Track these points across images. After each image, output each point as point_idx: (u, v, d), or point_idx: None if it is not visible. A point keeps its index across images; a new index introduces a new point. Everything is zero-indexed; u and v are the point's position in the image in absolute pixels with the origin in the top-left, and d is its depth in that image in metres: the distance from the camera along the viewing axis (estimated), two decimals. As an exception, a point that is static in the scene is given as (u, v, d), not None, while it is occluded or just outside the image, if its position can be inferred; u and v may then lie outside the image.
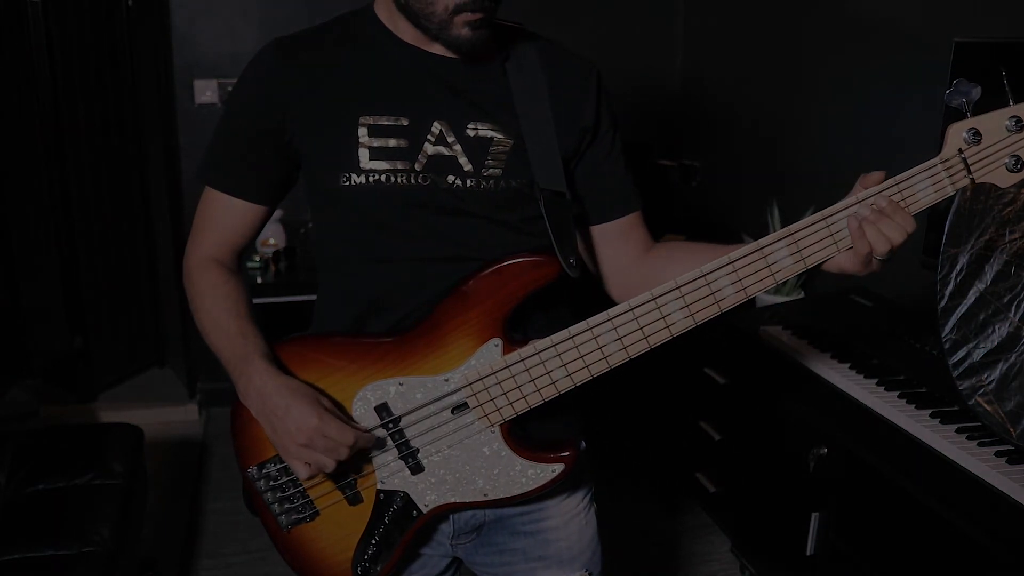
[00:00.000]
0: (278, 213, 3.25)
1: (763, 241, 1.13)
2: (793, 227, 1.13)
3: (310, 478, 1.23)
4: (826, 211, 1.13)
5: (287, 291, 2.98)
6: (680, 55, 4.09)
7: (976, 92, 1.13)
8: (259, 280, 3.05)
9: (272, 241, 3.19)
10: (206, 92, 3.67)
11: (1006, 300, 1.71)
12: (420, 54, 1.23)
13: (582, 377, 1.18)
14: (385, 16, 1.25)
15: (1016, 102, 1.14)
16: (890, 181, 1.11)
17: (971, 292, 1.75)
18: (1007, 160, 1.11)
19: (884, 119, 2.75)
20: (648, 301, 1.15)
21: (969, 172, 1.11)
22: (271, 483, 1.28)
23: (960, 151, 1.11)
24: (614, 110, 1.33)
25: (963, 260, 1.70)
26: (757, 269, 1.14)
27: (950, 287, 1.72)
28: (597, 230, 1.36)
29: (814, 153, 3.14)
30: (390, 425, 1.23)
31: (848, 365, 2.11)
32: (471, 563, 1.41)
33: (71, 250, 3.84)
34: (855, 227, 1.11)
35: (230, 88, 3.60)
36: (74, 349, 3.92)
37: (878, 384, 2.00)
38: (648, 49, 4.06)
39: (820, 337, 2.28)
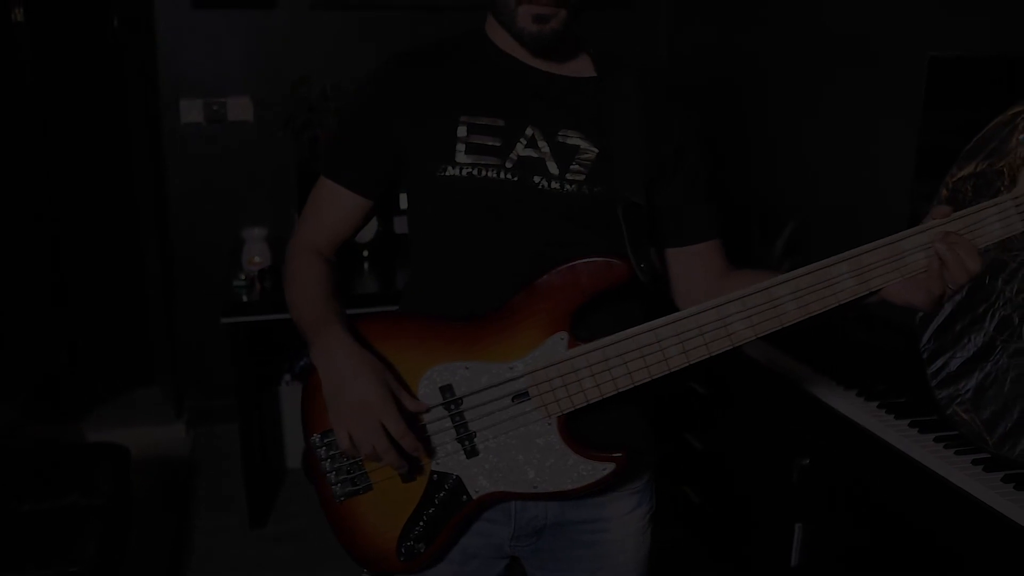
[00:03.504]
0: (263, 231, 3.27)
1: (827, 261, 1.18)
2: (858, 250, 1.18)
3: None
4: (892, 236, 1.17)
5: (272, 310, 2.98)
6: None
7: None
8: (244, 298, 3.05)
9: (257, 259, 3.20)
10: (192, 111, 3.68)
11: (981, 311, 1.74)
12: (521, 65, 1.35)
13: (641, 377, 1.23)
14: (493, 34, 1.38)
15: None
16: (961, 212, 1.16)
17: (947, 303, 1.78)
18: None
19: (860, 134, 2.79)
20: (711, 309, 1.20)
21: None
22: (331, 452, 1.33)
23: None
24: (703, 141, 1.40)
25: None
26: (819, 288, 1.18)
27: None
28: (672, 252, 1.43)
29: (791, 169, 3.17)
30: (452, 406, 1.28)
31: (828, 376, 2.13)
32: (528, 566, 1.45)
33: (58, 268, 3.84)
34: (939, 250, 1.14)
35: (214, 106, 3.66)
36: (60, 367, 3.91)
37: (858, 395, 2.02)
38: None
39: (800, 349, 2.30)
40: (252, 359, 3.11)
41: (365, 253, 3.42)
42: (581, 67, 1.38)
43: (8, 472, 2.47)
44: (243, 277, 3.14)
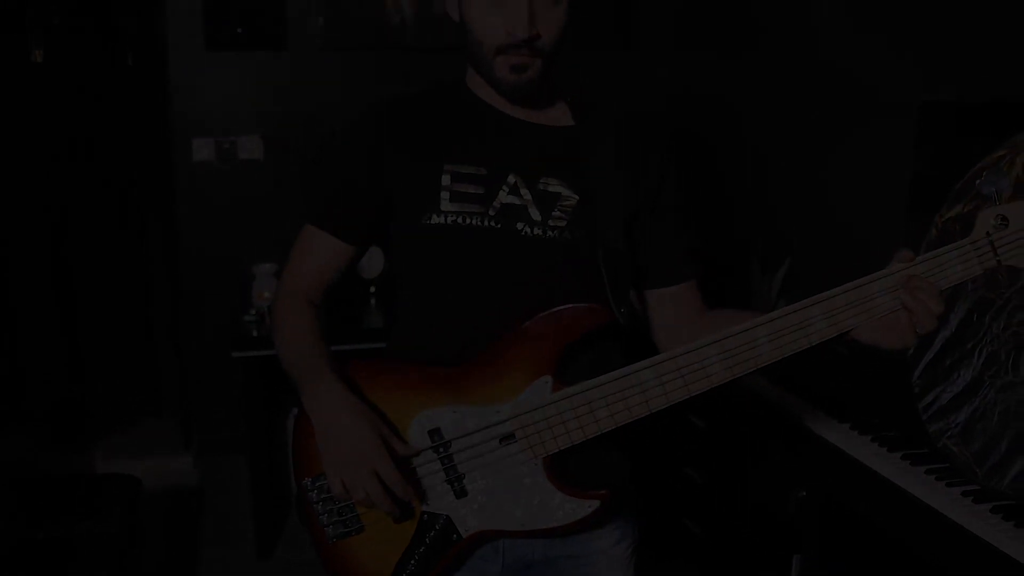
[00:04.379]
0: (272, 267, 3.34)
1: (802, 303, 1.24)
2: (829, 293, 1.24)
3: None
4: (860, 280, 1.23)
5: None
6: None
7: (1005, 183, 1.24)
8: (255, 333, 3.12)
9: (267, 295, 3.26)
10: (204, 150, 3.77)
11: (969, 347, 1.80)
12: (501, 115, 1.40)
13: (623, 418, 1.28)
14: (473, 85, 1.43)
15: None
16: (924, 256, 1.22)
17: (937, 339, 1.84)
18: None
19: (856, 172, 2.86)
20: (690, 352, 1.25)
21: (996, 254, 1.21)
22: (323, 495, 1.36)
23: (988, 234, 1.21)
24: (681, 181, 1.45)
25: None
26: (793, 330, 1.24)
27: (918, 334, 1.80)
28: (650, 292, 1.48)
29: (790, 205, 3.24)
30: (440, 449, 1.32)
31: (823, 411, 2.18)
32: None
33: (70, 301, 3.92)
34: (891, 290, 1.21)
35: (225, 145, 3.74)
36: (72, 398, 3.97)
37: (851, 428, 2.08)
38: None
39: (795, 383, 2.36)
40: (261, 392, 3.16)
41: (372, 289, 3.48)
42: (559, 115, 1.42)
43: (21, 501, 2.51)
44: (253, 312, 3.21)
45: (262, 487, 3.19)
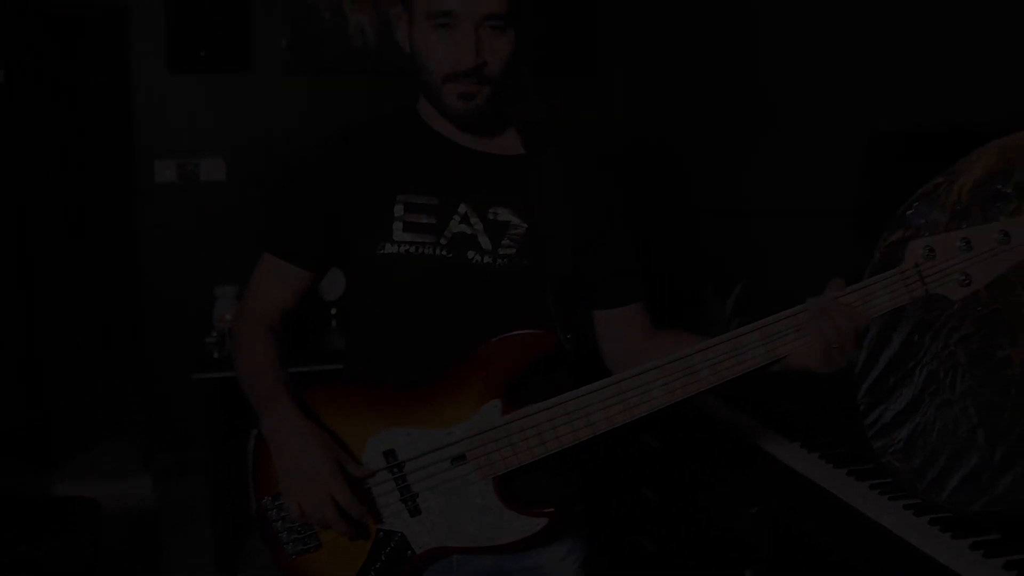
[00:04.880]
0: (234, 289, 3.35)
1: (740, 331, 1.29)
2: (766, 320, 1.29)
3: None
4: (795, 308, 1.29)
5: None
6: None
7: (935, 214, 1.30)
8: (215, 355, 3.13)
9: (228, 317, 3.27)
10: (166, 172, 3.78)
11: (910, 366, 1.86)
12: (453, 145, 1.44)
13: (569, 440, 1.33)
14: (425, 114, 1.47)
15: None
16: (854, 286, 1.28)
17: (882, 358, 1.90)
18: (958, 276, 1.26)
19: (804, 197, 2.95)
20: (633, 376, 1.30)
21: (924, 283, 1.27)
22: (281, 513, 1.40)
23: (916, 265, 1.27)
24: (624, 207, 1.50)
25: (874, 329, 1.85)
26: (733, 355, 1.29)
27: (863, 354, 1.87)
28: (600, 314, 1.53)
29: (739, 231, 3.32)
30: (395, 470, 1.37)
31: (774, 429, 2.24)
32: None
33: (29, 322, 3.89)
34: (810, 317, 1.26)
35: (188, 167, 3.76)
36: (31, 420, 3.94)
37: (801, 446, 2.14)
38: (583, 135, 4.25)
39: (748, 402, 2.42)
40: (221, 413, 3.17)
41: (333, 311, 3.51)
42: (509, 145, 1.47)
43: (-21, 525, 2.50)
44: (214, 334, 3.22)
45: (222, 508, 3.19)
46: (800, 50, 3.02)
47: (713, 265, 3.39)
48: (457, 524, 1.37)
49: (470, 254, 1.39)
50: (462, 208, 1.40)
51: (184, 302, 3.73)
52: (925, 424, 1.84)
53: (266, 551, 1.45)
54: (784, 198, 3.09)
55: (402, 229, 1.39)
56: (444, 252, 1.39)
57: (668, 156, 3.90)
